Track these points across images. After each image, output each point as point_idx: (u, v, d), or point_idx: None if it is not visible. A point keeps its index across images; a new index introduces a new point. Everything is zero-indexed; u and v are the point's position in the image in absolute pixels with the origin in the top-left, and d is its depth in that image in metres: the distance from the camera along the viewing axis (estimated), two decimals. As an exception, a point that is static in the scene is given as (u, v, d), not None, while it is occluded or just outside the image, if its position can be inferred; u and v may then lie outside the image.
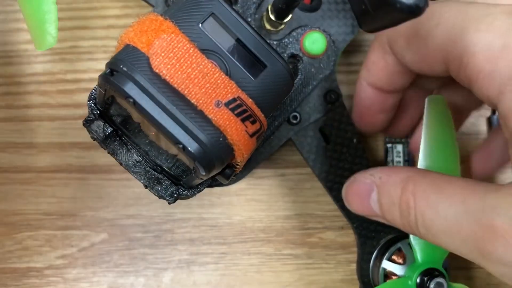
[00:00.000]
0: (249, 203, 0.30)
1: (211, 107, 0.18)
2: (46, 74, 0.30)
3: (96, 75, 0.30)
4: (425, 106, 0.24)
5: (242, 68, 0.20)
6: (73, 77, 0.30)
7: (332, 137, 0.27)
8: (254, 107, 0.19)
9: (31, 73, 0.31)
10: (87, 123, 0.21)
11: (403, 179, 0.21)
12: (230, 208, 0.30)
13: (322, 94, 0.27)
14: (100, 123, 0.22)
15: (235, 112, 0.19)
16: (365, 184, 0.23)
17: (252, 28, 0.20)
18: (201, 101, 0.18)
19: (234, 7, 0.26)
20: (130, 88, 0.18)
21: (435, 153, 0.24)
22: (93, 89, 0.21)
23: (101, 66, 0.30)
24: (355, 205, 0.23)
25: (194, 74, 0.18)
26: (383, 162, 0.30)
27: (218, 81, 0.19)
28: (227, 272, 0.29)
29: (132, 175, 0.22)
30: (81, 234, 0.29)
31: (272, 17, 0.25)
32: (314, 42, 0.26)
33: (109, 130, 0.22)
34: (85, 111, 0.30)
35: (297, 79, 0.26)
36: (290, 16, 0.25)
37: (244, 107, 0.19)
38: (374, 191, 0.22)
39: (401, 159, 0.30)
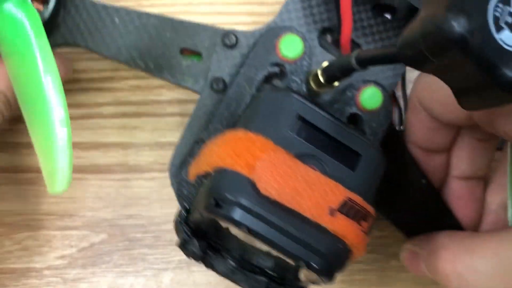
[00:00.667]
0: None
1: (326, 217, 0.18)
2: (46, 74, 0.30)
3: (96, 75, 0.30)
4: (510, 151, 0.23)
5: (340, 163, 0.20)
6: (73, 77, 0.30)
7: (400, 181, 0.26)
8: (363, 202, 0.19)
9: (31, 73, 0.31)
10: (183, 246, 0.21)
11: (436, 247, 0.22)
12: (230, 209, 0.30)
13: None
14: (195, 242, 0.21)
15: (350, 215, 0.18)
16: (412, 253, 0.25)
17: (335, 117, 0.20)
18: (314, 213, 0.18)
19: (282, 80, 0.25)
20: (242, 217, 0.18)
21: None
22: (181, 211, 0.21)
23: (101, 66, 0.30)
24: (413, 271, 0.25)
25: (301, 186, 0.18)
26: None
27: (325, 187, 0.18)
28: (227, 273, 0.29)
29: (237, 284, 0.22)
30: (80, 235, 0.29)
31: (322, 80, 0.24)
32: (370, 97, 0.25)
33: (205, 246, 0.21)
34: (85, 111, 0.30)
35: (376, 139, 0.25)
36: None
37: (357, 207, 0.19)
38: (421, 259, 0.24)
39: None
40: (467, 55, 0.14)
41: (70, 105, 0.30)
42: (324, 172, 0.19)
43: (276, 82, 0.25)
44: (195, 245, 0.21)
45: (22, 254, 0.29)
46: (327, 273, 0.18)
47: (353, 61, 0.20)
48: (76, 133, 0.30)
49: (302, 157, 0.19)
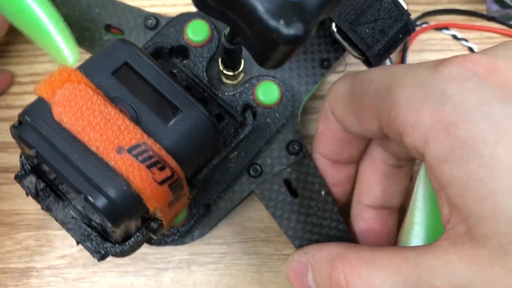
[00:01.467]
0: (249, 203, 0.30)
1: (112, 154, 0.18)
2: (46, 74, 0.30)
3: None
4: (420, 173, 0.23)
5: (154, 113, 0.20)
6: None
7: (299, 190, 0.26)
8: (163, 153, 0.19)
9: (31, 73, 0.31)
10: (18, 178, 0.21)
11: (332, 257, 0.21)
12: (230, 208, 0.30)
13: (284, 145, 0.26)
14: (32, 178, 0.21)
15: (139, 158, 0.18)
16: (301, 263, 0.23)
17: (167, 74, 0.20)
18: (101, 148, 0.18)
19: (185, 61, 0.26)
20: (33, 138, 0.18)
21: (431, 219, 0.22)
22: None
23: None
24: (295, 284, 0.23)
25: (96, 121, 0.18)
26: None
27: (122, 127, 0.18)
28: (227, 272, 0.29)
29: (67, 232, 0.21)
30: (81, 234, 0.29)
31: (223, 69, 0.25)
32: (267, 91, 0.26)
33: (42, 185, 0.21)
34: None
35: (246, 129, 0.25)
36: (241, 66, 0.25)
37: (150, 153, 0.18)
38: (309, 270, 0.22)
39: None
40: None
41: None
42: (134, 118, 0.19)
43: (176, 60, 0.26)
44: (31, 181, 0.21)
45: (23, 254, 0.29)
46: (108, 212, 0.18)
47: (223, 39, 0.21)
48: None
49: (115, 99, 0.19)
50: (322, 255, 0.21)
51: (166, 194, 0.19)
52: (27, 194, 0.22)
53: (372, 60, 0.26)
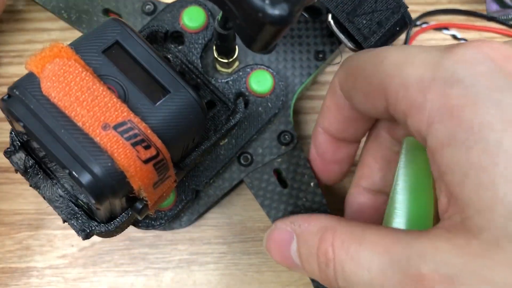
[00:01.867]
0: (249, 202, 0.30)
1: (97, 130, 0.18)
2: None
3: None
4: (402, 147, 0.22)
5: (142, 93, 0.20)
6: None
7: (288, 181, 0.27)
8: (148, 132, 0.19)
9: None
10: (7, 154, 0.21)
11: (321, 228, 0.20)
12: (230, 208, 0.30)
13: (276, 135, 0.27)
14: (21, 155, 0.21)
15: (125, 135, 0.18)
16: (285, 232, 0.22)
17: (157, 54, 0.20)
18: (87, 124, 0.18)
19: (180, 47, 0.26)
20: (20, 111, 0.18)
21: (411, 199, 0.22)
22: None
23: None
24: (276, 254, 0.22)
25: (83, 97, 0.18)
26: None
27: (109, 104, 0.18)
28: (227, 272, 0.29)
29: (54, 209, 0.22)
30: (81, 234, 0.29)
31: (217, 56, 0.25)
32: (260, 80, 0.26)
33: (31, 162, 0.21)
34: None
35: (237, 116, 0.25)
36: (235, 54, 0.25)
37: (136, 131, 0.18)
38: (294, 240, 0.21)
39: None
40: None
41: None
42: (122, 96, 0.19)
43: (171, 46, 0.26)
44: (20, 157, 0.21)
45: (23, 253, 0.29)
46: (92, 187, 0.18)
47: (216, 24, 0.21)
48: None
49: (104, 76, 0.19)
50: (310, 226, 0.21)
51: (150, 174, 0.19)
52: (16, 171, 0.22)
53: None
